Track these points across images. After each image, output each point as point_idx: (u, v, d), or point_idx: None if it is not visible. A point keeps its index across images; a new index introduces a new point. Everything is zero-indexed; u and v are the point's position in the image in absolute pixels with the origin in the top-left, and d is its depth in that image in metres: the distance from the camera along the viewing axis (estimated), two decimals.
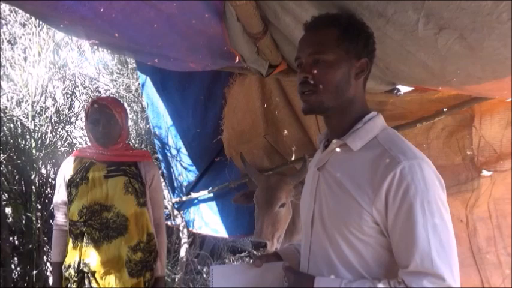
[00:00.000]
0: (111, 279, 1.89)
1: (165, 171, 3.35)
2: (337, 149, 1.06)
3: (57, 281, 1.97)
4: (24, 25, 3.49)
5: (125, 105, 4.45)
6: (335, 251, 1.00)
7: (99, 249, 1.89)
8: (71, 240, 1.94)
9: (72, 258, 1.92)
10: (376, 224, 0.95)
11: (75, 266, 1.89)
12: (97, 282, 1.88)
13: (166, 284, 3.86)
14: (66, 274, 1.92)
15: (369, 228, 0.95)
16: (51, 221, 3.39)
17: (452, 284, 0.86)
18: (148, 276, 1.98)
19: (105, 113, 1.93)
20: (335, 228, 1.00)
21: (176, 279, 3.61)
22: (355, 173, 0.99)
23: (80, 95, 4.01)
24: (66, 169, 2.02)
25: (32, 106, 3.30)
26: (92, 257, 1.89)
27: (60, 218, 2.02)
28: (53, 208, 2.15)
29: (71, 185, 1.96)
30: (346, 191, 0.98)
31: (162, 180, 3.61)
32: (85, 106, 3.79)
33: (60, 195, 2.02)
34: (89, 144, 2.09)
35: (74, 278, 1.89)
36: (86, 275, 1.89)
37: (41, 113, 3.40)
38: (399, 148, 0.96)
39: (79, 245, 1.91)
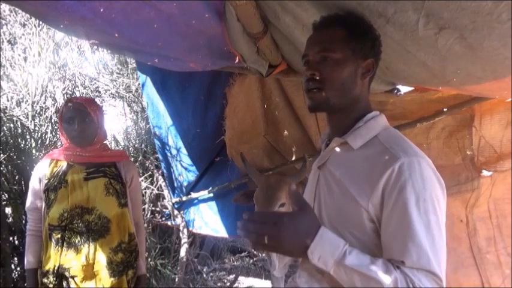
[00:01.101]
0: (92, 283, 1.85)
1: (165, 171, 3.35)
2: (337, 148, 1.06)
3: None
4: (24, 25, 3.49)
5: (125, 105, 4.48)
6: None
7: (80, 252, 1.85)
8: (52, 246, 1.87)
9: (52, 263, 1.85)
10: (372, 222, 0.94)
11: (55, 271, 1.84)
12: (77, 285, 1.84)
13: (167, 284, 3.86)
14: (45, 280, 1.85)
15: (366, 227, 0.95)
16: None
17: (444, 284, 0.87)
18: (131, 274, 1.95)
19: (79, 111, 1.88)
20: (333, 227, 0.99)
21: (176, 279, 3.60)
22: (354, 170, 0.99)
23: (80, 95, 4.01)
24: (42, 173, 1.93)
25: (32, 106, 3.30)
26: (73, 261, 1.84)
27: (33, 223, 1.93)
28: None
29: (48, 189, 1.88)
30: (345, 189, 0.98)
31: (162, 180, 3.62)
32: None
33: (34, 199, 1.93)
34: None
35: (54, 283, 1.83)
36: (66, 279, 1.84)
37: (41, 113, 3.39)
38: (400, 146, 0.96)
39: (60, 249, 1.85)
